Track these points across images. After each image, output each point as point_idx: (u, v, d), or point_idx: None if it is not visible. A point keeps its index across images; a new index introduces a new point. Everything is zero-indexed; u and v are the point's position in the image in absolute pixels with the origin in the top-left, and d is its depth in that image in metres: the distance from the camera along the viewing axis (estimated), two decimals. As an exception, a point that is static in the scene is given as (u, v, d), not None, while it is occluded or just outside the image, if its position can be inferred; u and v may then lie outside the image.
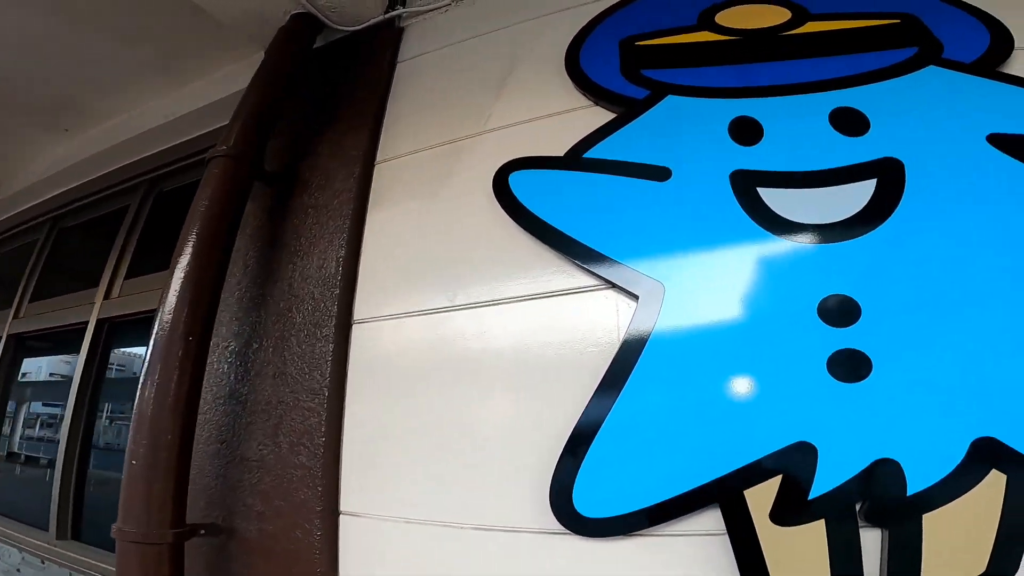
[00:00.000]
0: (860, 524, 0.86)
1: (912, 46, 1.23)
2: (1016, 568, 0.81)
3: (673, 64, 1.35)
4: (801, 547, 0.85)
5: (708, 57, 1.35)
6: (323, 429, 1.13)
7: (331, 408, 1.16)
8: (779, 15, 1.37)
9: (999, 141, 1.04)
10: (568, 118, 1.36)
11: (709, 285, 1.00)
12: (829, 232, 1.00)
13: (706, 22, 1.41)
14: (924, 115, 1.11)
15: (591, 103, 1.36)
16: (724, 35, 1.39)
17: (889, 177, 1.04)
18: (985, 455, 0.83)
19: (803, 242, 1.00)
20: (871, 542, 0.86)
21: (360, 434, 1.16)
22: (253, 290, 1.40)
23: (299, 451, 1.14)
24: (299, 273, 1.34)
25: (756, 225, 1.04)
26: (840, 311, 0.93)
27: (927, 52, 1.21)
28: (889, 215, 0.99)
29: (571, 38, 1.43)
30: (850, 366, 0.90)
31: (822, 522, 0.85)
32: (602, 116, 1.33)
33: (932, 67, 1.19)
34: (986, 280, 0.91)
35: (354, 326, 1.26)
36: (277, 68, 1.52)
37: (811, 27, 1.34)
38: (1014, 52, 1.22)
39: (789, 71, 1.26)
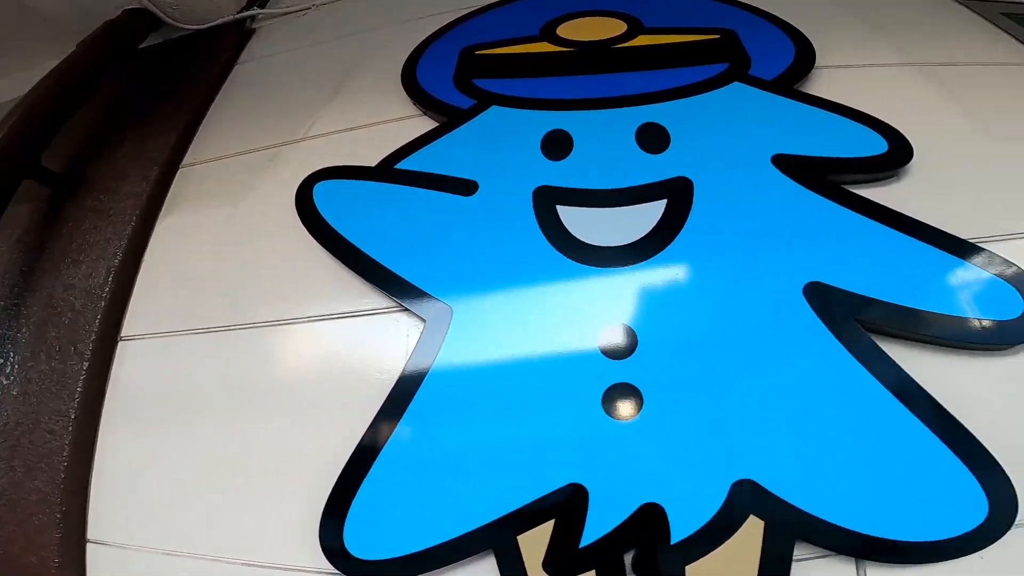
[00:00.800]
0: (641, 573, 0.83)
1: (724, 62, 1.25)
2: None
3: (504, 74, 1.33)
4: None
5: (538, 68, 1.33)
6: (65, 453, 1.04)
7: (78, 431, 1.07)
8: (616, 28, 1.38)
9: (782, 161, 1.06)
10: (395, 127, 1.32)
11: (497, 310, 0.98)
12: (617, 255, 0.99)
13: (547, 34, 1.40)
14: (718, 133, 1.13)
15: (420, 112, 1.32)
16: (560, 46, 1.37)
17: (678, 198, 1.04)
18: (745, 498, 0.82)
19: (592, 265, 0.99)
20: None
21: (118, 460, 1.08)
22: (7, 300, 1.27)
23: (36, 475, 1.05)
24: (62, 283, 1.23)
25: (550, 246, 1.02)
26: (618, 342, 0.92)
27: (736, 68, 1.23)
28: (673, 239, 0.99)
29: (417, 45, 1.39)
30: (623, 401, 0.89)
31: (593, 573, 0.83)
32: (430, 126, 1.29)
33: (736, 83, 1.21)
34: (755, 313, 0.92)
35: (120, 342, 1.17)
36: (74, 64, 1.39)
37: (641, 40, 1.34)
38: (814, 70, 1.27)
39: (611, 84, 1.26)
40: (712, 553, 0.82)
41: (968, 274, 0.92)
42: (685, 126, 1.15)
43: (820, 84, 1.26)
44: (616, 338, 0.92)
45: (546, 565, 0.83)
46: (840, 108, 1.14)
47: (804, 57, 1.24)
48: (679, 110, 1.19)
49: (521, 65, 1.35)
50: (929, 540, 0.81)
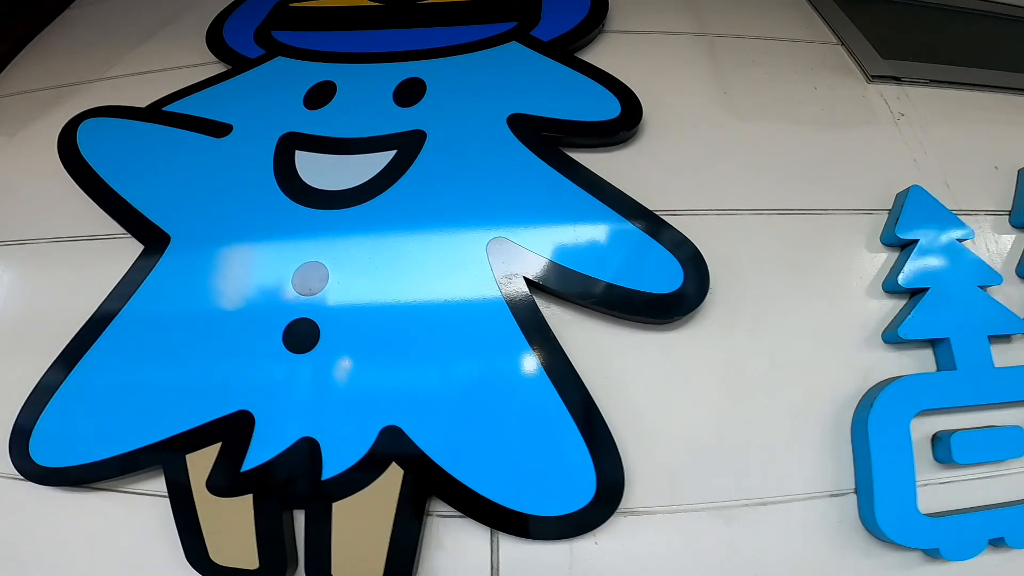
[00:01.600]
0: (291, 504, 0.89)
1: (513, 20, 1.28)
2: (410, 571, 0.87)
3: (302, 27, 1.35)
4: (233, 519, 0.88)
5: (337, 22, 1.35)
6: None
7: None
8: (426, -17, 1.38)
9: (516, 121, 1.11)
10: (188, 73, 1.34)
11: (211, 243, 1.03)
12: (333, 199, 1.04)
13: (361, -12, 1.41)
14: (468, 91, 1.16)
15: (215, 60, 1.34)
16: (372, 1, 1.39)
17: (407, 150, 1.09)
18: (390, 445, 0.88)
19: (310, 207, 1.04)
20: (299, 524, 0.90)
21: None
22: None
23: None
24: None
25: (277, 187, 1.06)
26: (308, 278, 0.97)
27: (521, 27, 1.25)
28: (387, 188, 1.04)
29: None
30: (301, 337, 0.94)
31: (251, 496, 0.89)
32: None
33: (514, 43, 1.24)
34: (439, 268, 0.97)
35: None
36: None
37: (448, -4, 1.36)
38: (603, 34, 1.29)
39: (395, 40, 1.29)
40: (356, 494, 0.89)
41: (640, 244, 0.98)
42: (443, 83, 1.18)
43: (600, 47, 1.28)
44: (309, 276, 0.98)
45: (209, 484, 0.90)
46: (595, 72, 1.17)
47: (593, 20, 1.26)
48: (445, 67, 1.22)
49: (321, 19, 1.37)
50: (545, 515, 0.88)
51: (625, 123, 1.09)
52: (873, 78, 1.28)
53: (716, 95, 1.22)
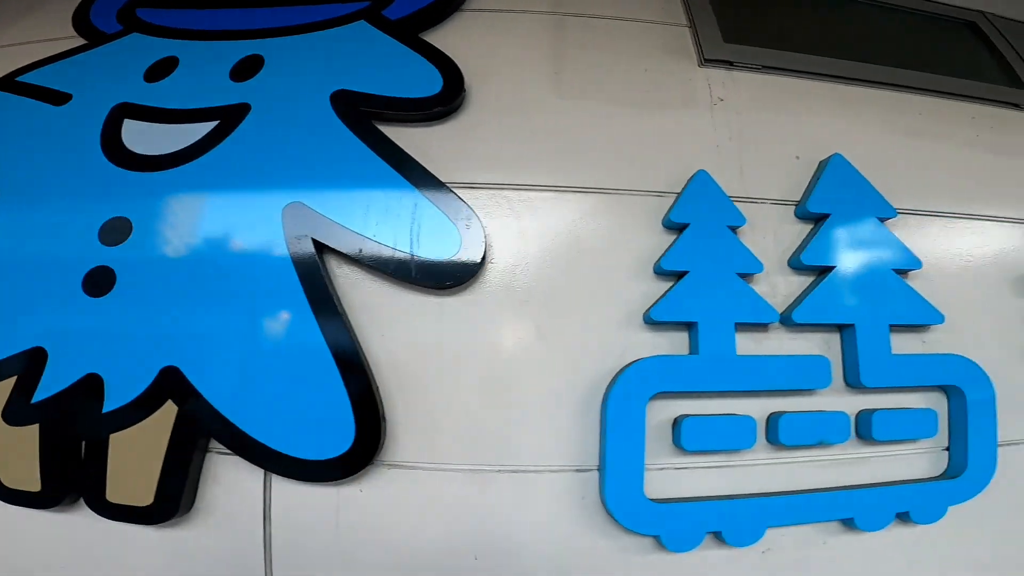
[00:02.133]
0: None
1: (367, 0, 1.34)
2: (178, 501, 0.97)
3: (165, 5, 1.41)
4: (22, 446, 0.98)
5: (199, 1, 1.41)
6: None
7: None
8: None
9: (339, 97, 1.18)
10: (51, 47, 1.40)
11: (29, 196, 1.11)
12: (148, 163, 1.11)
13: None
14: (303, 68, 1.23)
15: (75, 35, 1.40)
16: None
17: (229, 121, 1.16)
18: (167, 384, 0.98)
19: (128, 169, 1.12)
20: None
21: None
22: None
23: None
24: None
25: (100, 150, 1.14)
26: (114, 231, 1.05)
27: (374, 6, 1.31)
28: (201, 155, 1.11)
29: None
30: (98, 281, 1.02)
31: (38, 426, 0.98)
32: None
33: (362, 22, 1.31)
34: (237, 230, 1.05)
35: None
36: None
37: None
38: (457, 12, 1.31)
39: (247, 18, 1.35)
40: (132, 427, 0.97)
41: (424, 214, 1.05)
42: (280, 60, 1.25)
43: (454, 24, 1.30)
44: (114, 229, 1.06)
45: (4, 414, 0.98)
46: (428, 51, 1.22)
47: (448, 1, 1.30)
48: (287, 45, 1.28)
49: (186, -2, 1.43)
50: (308, 459, 0.97)
51: (442, 100, 1.15)
52: (706, 61, 1.31)
53: (547, 75, 1.26)
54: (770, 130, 1.25)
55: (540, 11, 1.35)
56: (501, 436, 1.03)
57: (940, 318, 1.11)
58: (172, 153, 1.12)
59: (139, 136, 1.17)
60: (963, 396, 1.10)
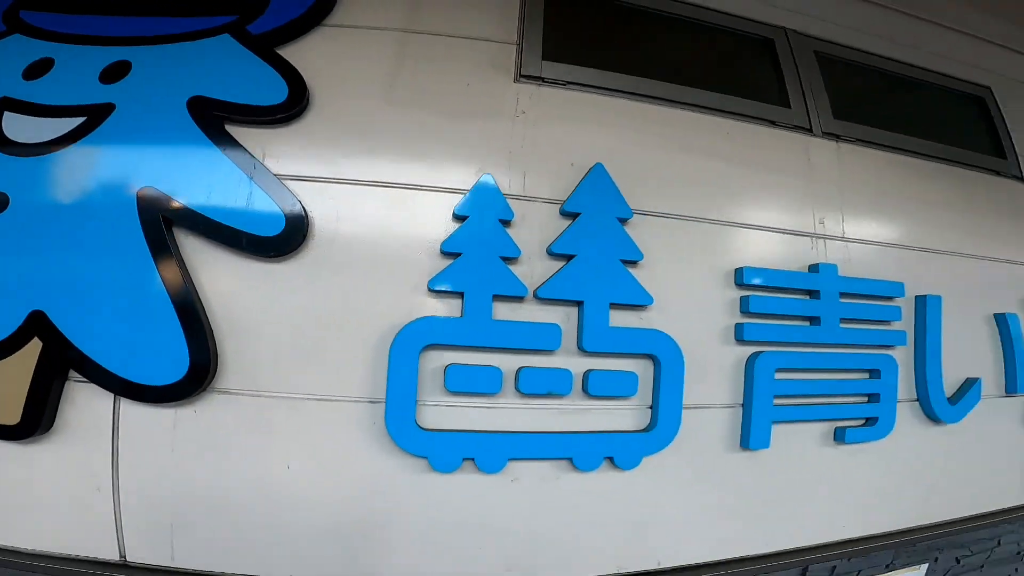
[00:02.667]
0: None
1: (235, 14, 1.58)
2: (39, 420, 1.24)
3: (51, 9, 1.61)
4: None
5: (82, 6, 1.61)
6: None
7: None
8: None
9: (194, 102, 1.44)
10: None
11: None
12: (26, 149, 1.35)
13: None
14: (165, 75, 1.48)
15: (-42, 33, 1.58)
16: None
17: (94, 118, 1.41)
18: (33, 324, 1.25)
19: (6, 153, 1.35)
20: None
21: None
22: None
23: None
24: None
25: (-19, 138, 1.36)
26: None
27: (241, 20, 1.55)
28: (69, 146, 1.36)
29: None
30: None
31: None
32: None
33: (227, 35, 1.56)
34: (96, 203, 1.33)
35: None
36: None
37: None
38: (319, 27, 1.53)
39: (123, 25, 1.57)
40: (4, 360, 1.24)
41: (254, 197, 1.35)
42: (146, 66, 1.49)
43: (314, 39, 1.53)
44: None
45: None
46: (279, 63, 1.47)
47: (308, 18, 1.54)
48: (154, 53, 1.52)
49: (71, 3, 1.63)
50: (150, 384, 1.26)
51: (285, 108, 1.43)
52: (521, 77, 1.59)
53: (383, 86, 1.51)
54: (555, 140, 1.56)
55: (390, 28, 1.58)
56: (311, 372, 1.35)
57: (650, 299, 1.51)
58: (46, 142, 1.37)
59: (16, 126, 1.40)
60: (660, 364, 1.50)
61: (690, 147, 1.69)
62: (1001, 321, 1.99)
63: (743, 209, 1.71)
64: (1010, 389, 2.02)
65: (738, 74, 1.94)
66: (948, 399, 1.88)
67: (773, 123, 1.83)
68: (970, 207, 2.08)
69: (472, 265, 1.40)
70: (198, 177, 1.36)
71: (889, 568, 1.99)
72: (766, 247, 1.71)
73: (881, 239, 1.88)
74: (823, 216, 1.81)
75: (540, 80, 1.60)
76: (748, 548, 1.72)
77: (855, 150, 1.93)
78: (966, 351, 1.96)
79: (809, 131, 1.88)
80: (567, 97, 1.62)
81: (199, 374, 1.27)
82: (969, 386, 1.91)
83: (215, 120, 1.42)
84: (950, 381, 1.92)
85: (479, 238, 1.41)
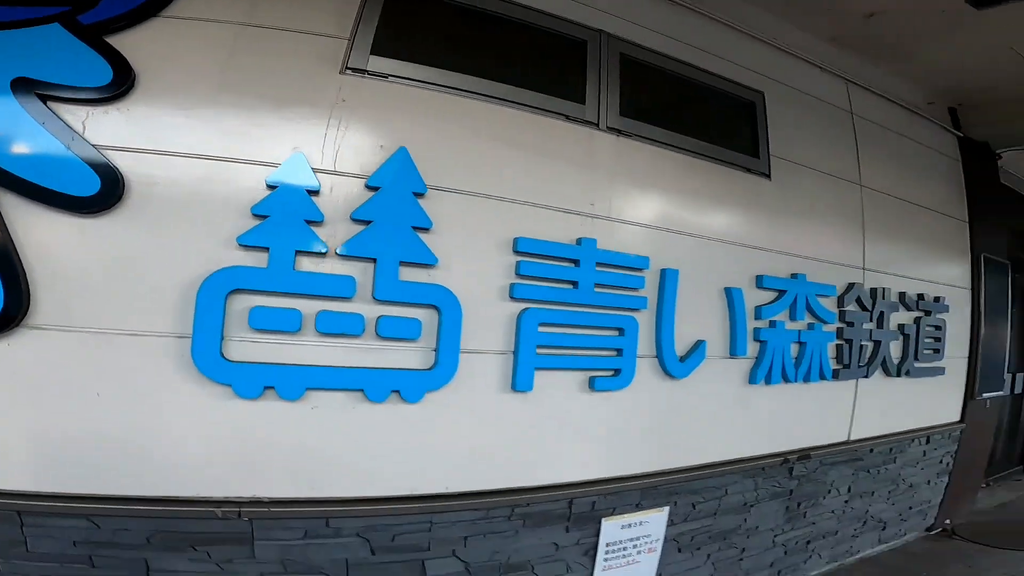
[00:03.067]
0: None
1: (68, 5, 1.73)
2: None
3: None
4: None
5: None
6: None
7: None
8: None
9: (17, 82, 1.59)
10: None
11: None
12: None
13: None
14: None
15: None
16: None
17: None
18: None
19: None
20: None
21: None
22: None
23: None
24: None
25: None
26: None
27: (71, 12, 1.70)
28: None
29: None
30: None
31: None
32: None
33: (57, 24, 1.71)
34: None
35: None
36: None
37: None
38: (152, 19, 1.70)
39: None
40: None
41: (71, 164, 1.53)
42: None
43: (147, 29, 1.70)
44: None
45: None
46: (105, 49, 1.65)
47: (146, 9, 1.71)
48: (-13, 36, 1.66)
49: None
50: None
51: (109, 88, 1.63)
52: (347, 70, 1.84)
53: (215, 73, 1.73)
54: (370, 125, 1.86)
55: (229, 21, 1.78)
56: (122, 311, 1.56)
57: (434, 260, 1.87)
58: None
59: None
60: (442, 314, 1.86)
61: (489, 135, 2.06)
62: (729, 294, 2.55)
63: (526, 190, 2.10)
64: (733, 352, 2.58)
65: (546, 72, 2.28)
66: (680, 357, 2.39)
67: (567, 117, 2.23)
68: (719, 198, 2.63)
69: (278, 225, 1.68)
70: (17, 145, 1.53)
71: (639, 508, 2.41)
72: (544, 222, 2.12)
73: (639, 220, 2.35)
74: (593, 199, 2.25)
75: (364, 73, 1.87)
76: (521, 480, 2.09)
77: (632, 144, 2.39)
78: (701, 317, 2.50)
79: (596, 126, 2.30)
80: (388, 89, 1.91)
81: (12, 311, 1.44)
82: (696, 347, 2.44)
83: (37, 97, 1.58)
84: (686, 342, 2.44)
85: (286, 203, 1.70)
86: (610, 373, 2.22)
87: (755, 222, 2.74)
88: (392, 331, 1.79)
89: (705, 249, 2.55)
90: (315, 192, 1.75)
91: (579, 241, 2.16)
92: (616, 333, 2.23)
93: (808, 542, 3.19)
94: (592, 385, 2.17)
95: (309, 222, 1.73)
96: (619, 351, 2.22)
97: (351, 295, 1.75)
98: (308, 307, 1.72)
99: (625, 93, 2.39)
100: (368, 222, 1.80)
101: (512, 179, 2.08)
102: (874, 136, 3.44)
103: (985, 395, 4.06)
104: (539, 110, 2.17)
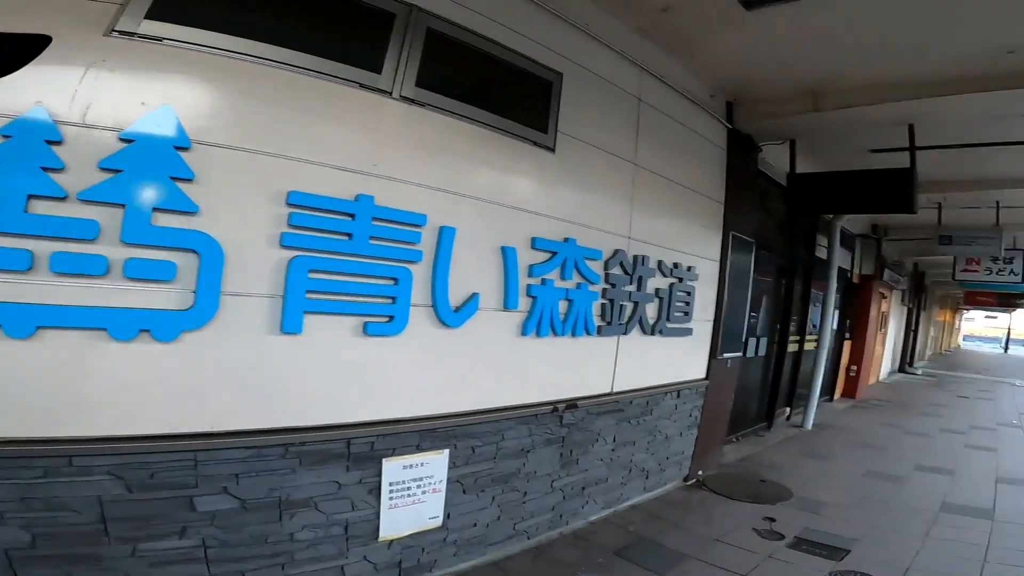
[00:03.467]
0: None
1: None
2: None
3: None
4: None
5: None
6: None
7: None
8: None
9: None
10: None
11: None
12: None
13: None
14: None
15: None
16: None
17: None
18: None
19: None
20: None
21: None
22: None
23: None
24: None
25: None
26: None
27: None
28: None
29: None
30: None
31: None
32: None
33: None
34: None
35: None
36: None
37: None
38: None
39: None
40: None
41: None
42: None
43: None
44: None
45: None
46: None
47: None
48: None
49: None
50: None
51: None
52: (112, 32, 1.83)
53: None
54: (133, 84, 1.87)
55: None
56: None
57: (195, 207, 1.92)
58: None
59: None
60: (202, 258, 1.93)
61: (268, 98, 2.13)
62: (505, 252, 2.90)
63: (306, 149, 2.21)
64: (507, 305, 2.94)
65: (349, 42, 2.38)
66: (454, 308, 2.69)
67: (360, 85, 2.36)
68: (504, 167, 2.93)
69: (11, 170, 1.63)
70: None
71: (419, 449, 2.66)
72: (324, 179, 2.25)
73: (422, 182, 2.56)
74: (377, 160, 2.41)
75: (134, 35, 1.87)
76: (295, 420, 2.25)
77: (425, 113, 2.58)
78: (478, 272, 2.81)
79: (389, 94, 2.46)
80: (162, 51, 1.93)
81: None
82: (471, 298, 2.76)
83: None
84: (462, 294, 2.74)
85: (21, 150, 1.65)
86: (384, 319, 2.43)
87: (536, 190, 3.10)
88: (141, 272, 1.83)
89: (486, 211, 2.84)
90: (57, 142, 1.72)
91: (357, 197, 2.31)
92: (391, 282, 2.44)
93: (583, 488, 3.64)
94: (366, 330, 2.37)
95: (46, 168, 1.70)
96: (393, 299, 2.44)
97: (93, 237, 1.75)
98: (42, 248, 1.69)
99: (427, 66, 2.56)
100: (118, 171, 1.80)
101: (291, 138, 2.17)
102: (656, 122, 3.96)
103: (726, 355, 4.96)
104: (332, 77, 2.29)
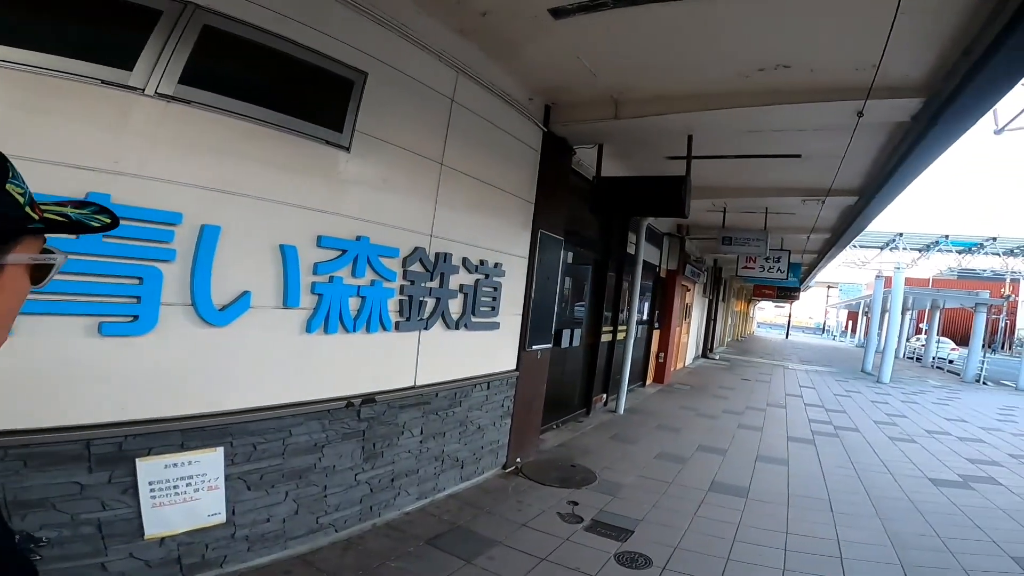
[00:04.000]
0: None
1: None
2: None
3: None
4: None
5: None
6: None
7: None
8: None
9: None
10: None
11: None
12: None
13: None
14: None
15: None
16: None
17: None
18: None
19: None
20: None
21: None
22: None
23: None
24: None
25: None
26: None
27: None
28: None
29: None
30: None
31: None
32: None
33: None
34: None
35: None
36: None
37: None
38: None
39: None
40: None
41: None
42: None
43: None
44: None
45: None
46: None
47: None
48: None
49: None
50: None
51: None
52: None
53: None
54: None
55: None
56: None
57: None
58: None
59: None
60: None
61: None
62: (283, 251, 2.82)
63: (40, 147, 1.99)
64: (287, 303, 2.87)
65: (100, 41, 2.18)
66: (220, 307, 2.57)
67: (102, 81, 2.16)
68: (287, 166, 2.80)
69: None
70: None
71: (184, 448, 2.52)
72: (55, 176, 2.04)
73: (180, 180, 2.39)
74: (119, 158, 2.21)
75: None
76: (15, 423, 2.02)
77: (188, 111, 2.40)
78: (251, 271, 2.70)
79: (142, 92, 2.26)
80: None
81: None
82: (241, 296, 2.66)
83: None
84: (231, 292, 2.62)
85: None
86: (127, 319, 2.26)
87: (324, 189, 3.03)
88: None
89: (263, 209, 2.72)
90: None
91: (88, 195, 2.11)
92: (135, 282, 2.26)
93: (392, 480, 3.66)
94: (100, 330, 2.18)
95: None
96: (138, 298, 2.27)
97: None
98: None
99: (198, 63, 2.39)
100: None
101: (24, 137, 1.97)
102: (469, 123, 4.02)
103: (536, 347, 5.30)
104: (70, 75, 2.08)
